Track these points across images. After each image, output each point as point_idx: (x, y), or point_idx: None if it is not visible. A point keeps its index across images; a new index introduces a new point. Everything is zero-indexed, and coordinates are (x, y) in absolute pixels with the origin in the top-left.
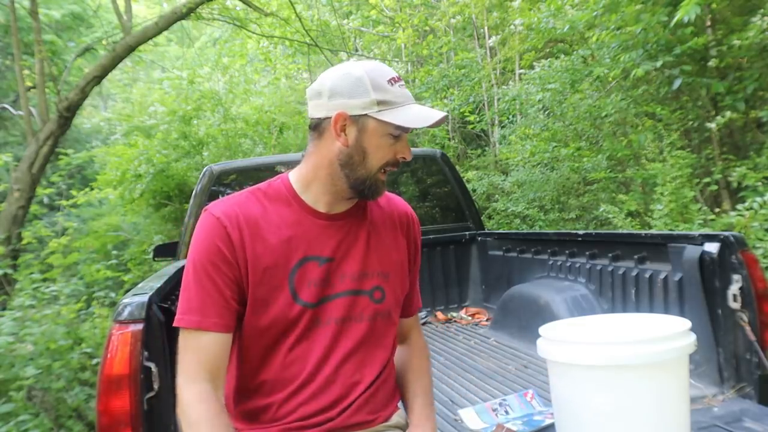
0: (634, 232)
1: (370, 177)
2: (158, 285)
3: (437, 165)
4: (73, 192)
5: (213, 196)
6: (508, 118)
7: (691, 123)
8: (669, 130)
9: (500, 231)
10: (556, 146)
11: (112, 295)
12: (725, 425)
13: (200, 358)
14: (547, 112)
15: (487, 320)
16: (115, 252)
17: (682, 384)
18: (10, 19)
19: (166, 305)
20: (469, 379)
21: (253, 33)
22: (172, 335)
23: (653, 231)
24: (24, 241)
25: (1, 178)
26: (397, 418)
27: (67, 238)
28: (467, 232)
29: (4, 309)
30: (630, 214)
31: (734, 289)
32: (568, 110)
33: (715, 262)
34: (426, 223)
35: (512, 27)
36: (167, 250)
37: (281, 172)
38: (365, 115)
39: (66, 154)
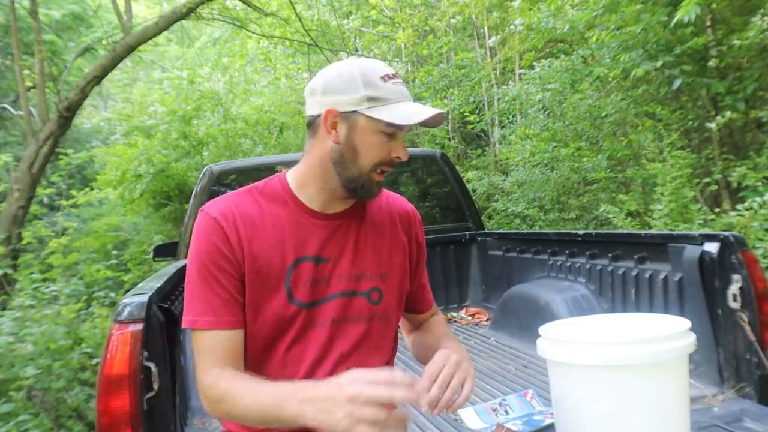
0: (634, 232)
1: (362, 176)
2: (158, 285)
3: (437, 165)
4: (73, 192)
5: (213, 196)
6: (508, 118)
7: (691, 123)
8: (669, 130)
9: (500, 231)
10: (556, 146)
11: (112, 295)
12: (725, 425)
13: (217, 353)
14: (547, 112)
15: (487, 320)
16: (115, 252)
17: (682, 384)
18: (10, 19)
19: (166, 305)
20: None
21: (253, 33)
22: (172, 335)
23: (653, 231)
24: (24, 241)
25: (1, 178)
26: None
27: (67, 238)
28: (467, 232)
29: (4, 309)
30: (630, 214)
31: (734, 289)
32: (568, 110)
33: (715, 262)
34: (426, 223)
35: (512, 27)
36: (167, 250)
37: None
38: (355, 111)
39: (66, 154)
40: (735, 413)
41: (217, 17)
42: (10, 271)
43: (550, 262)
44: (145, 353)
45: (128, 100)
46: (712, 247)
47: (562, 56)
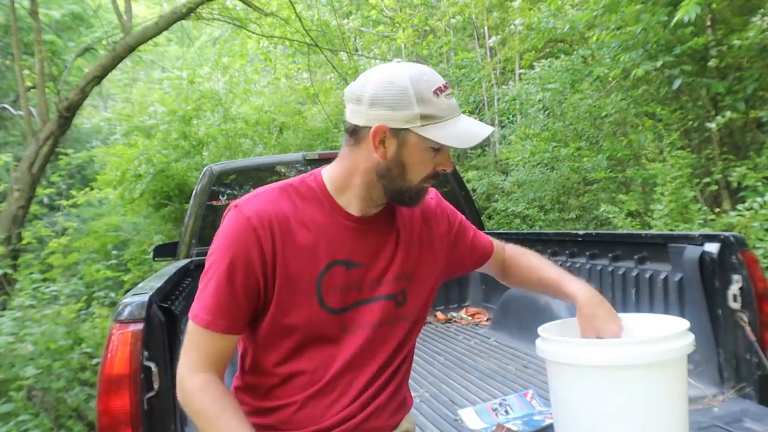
0: (634, 232)
1: (410, 189)
2: (158, 285)
3: None
4: (73, 192)
5: (213, 196)
6: (508, 118)
7: (691, 123)
8: (669, 130)
9: (500, 231)
10: (556, 146)
11: (112, 295)
12: (725, 425)
13: (205, 353)
14: (547, 112)
15: (487, 320)
16: (115, 252)
17: (680, 384)
18: (10, 19)
19: (167, 305)
20: (469, 379)
21: (253, 33)
22: (172, 335)
23: (653, 231)
24: (24, 241)
25: (1, 178)
26: (406, 424)
27: (67, 238)
28: None
29: (4, 309)
30: (630, 214)
31: (734, 289)
32: (568, 110)
33: (715, 263)
34: None
35: (512, 27)
36: (167, 250)
37: (281, 173)
38: (407, 129)
39: (66, 154)
40: (735, 413)
41: (217, 17)
42: (10, 271)
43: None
44: (146, 353)
45: (128, 100)
46: (712, 248)
47: (562, 56)
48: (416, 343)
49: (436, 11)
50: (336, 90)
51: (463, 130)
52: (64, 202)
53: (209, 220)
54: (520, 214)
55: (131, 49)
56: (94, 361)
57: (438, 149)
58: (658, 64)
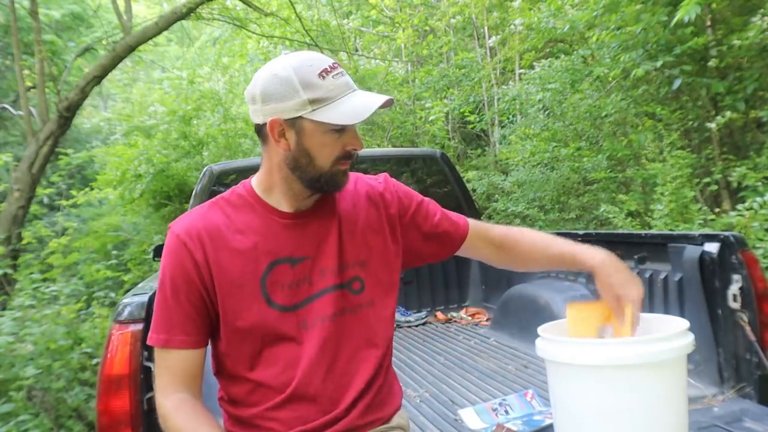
0: (634, 232)
1: (323, 174)
2: None
3: (437, 165)
4: (73, 192)
5: (213, 196)
6: (508, 118)
7: (691, 123)
8: (669, 130)
9: None
10: (556, 146)
11: (112, 295)
12: (725, 425)
13: (173, 373)
14: (547, 112)
15: (487, 320)
16: (115, 252)
17: (680, 384)
18: (10, 19)
19: None
20: (469, 379)
21: (253, 33)
22: None
23: (653, 231)
24: (24, 241)
25: (1, 178)
26: (398, 419)
27: (67, 238)
28: None
29: (4, 309)
30: (630, 214)
31: (734, 289)
32: (568, 110)
33: (715, 262)
34: None
35: (512, 27)
36: None
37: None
38: (300, 117)
39: (66, 154)
40: (735, 413)
41: (217, 17)
42: (10, 271)
43: None
44: (145, 353)
45: (128, 100)
46: (712, 248)
47: (562, 56)
48: (416, 343)
49: (436, 11)
50: None
51: (353, 106)
52: (64, 202)
53: None
54: (520, 214)
55: (131, 49)
56: (94, 361)
57: (340, 130)
58: (658, 64)
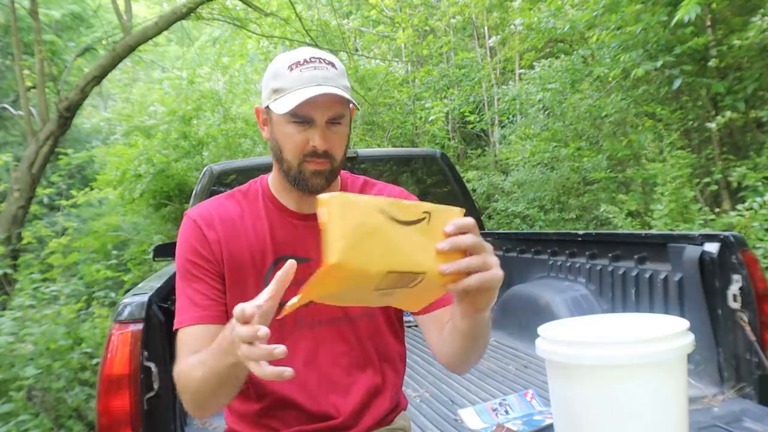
0: (634, 232)
1: (292, 169)
2: (158, 285)
3: (437, 165)
4: (73, 192)
5: (213, 195)
6: (508, 118)
7: (691, 123)
8: (669, 130)
9: (500, 231)
10: (556, 146)
11: (112, 295)
12: (725, 425)
13: (191, 349)
14: (547, 112)
15: None
16: (115, 252)
17: (680, 384)
18: (10, 19)
19: (166, 305)
20: (469, 379)
21: (253, 33)
22: (172, 335)
23: (653, 231)
24: (24, 241)
25: (1, 178)
26: (401, 420)
27: (67, 238)
28: None
29: (4, 309)
30: (630, 214)
31: (734, 289)
32: (568, 110)
33: (715, 262)
34: None
35: (512, 27)
36: (167, 250)
37: None
38: (268, 106)
39: (66, 154)
40: (735, 413)
41: (217, 17)
42: (10, 271)
43: (550, 262)
44: (145, 353)
45: (128, 100)
46: (712, 248)
47: (562, 56)
48: (416, 343)
49: (436, 11)
50: None
51: (298, 98)
52: (64, 202)
53: None
54: (520, 214)
55: (131, 49)
56: (94, 361)
57: (302, 122)
58: (658, 64)
